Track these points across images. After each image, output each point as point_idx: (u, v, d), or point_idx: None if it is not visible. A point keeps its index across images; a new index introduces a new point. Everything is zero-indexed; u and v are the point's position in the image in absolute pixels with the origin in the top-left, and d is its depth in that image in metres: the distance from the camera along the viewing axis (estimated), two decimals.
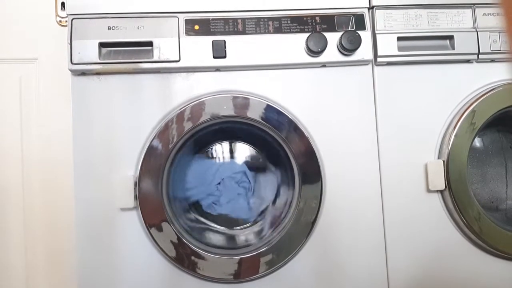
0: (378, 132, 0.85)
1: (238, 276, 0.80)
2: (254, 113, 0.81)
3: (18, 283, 1.04)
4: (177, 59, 0.79)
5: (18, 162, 1.05)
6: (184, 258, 0.79)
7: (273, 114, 0.81)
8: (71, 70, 0.79)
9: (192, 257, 0.79)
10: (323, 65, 0.84)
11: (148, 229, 0.78)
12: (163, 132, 0.79)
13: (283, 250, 0.80)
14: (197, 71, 0.82)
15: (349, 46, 0.81)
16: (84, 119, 0.80)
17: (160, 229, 0.78)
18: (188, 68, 0.81)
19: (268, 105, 0.81)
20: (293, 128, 0.81)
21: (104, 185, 0.79)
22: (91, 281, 0.79)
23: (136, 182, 0.78)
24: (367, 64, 0.86)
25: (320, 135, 0.83)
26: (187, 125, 0.79)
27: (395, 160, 0.85)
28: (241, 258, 0.80)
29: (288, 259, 0.81)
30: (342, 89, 0.85)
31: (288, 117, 0.81)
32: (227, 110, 0.80)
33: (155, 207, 0.79)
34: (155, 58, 0.79)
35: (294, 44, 0.82)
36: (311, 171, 0.81)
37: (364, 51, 0.83)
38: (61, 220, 1.05)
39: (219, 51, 0.80)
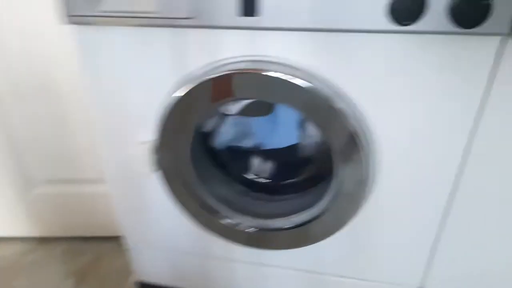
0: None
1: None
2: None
3: None
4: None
5: None
6: (209, 219, 0.79)
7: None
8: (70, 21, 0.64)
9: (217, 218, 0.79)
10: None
11: (172, 192, 0.77)
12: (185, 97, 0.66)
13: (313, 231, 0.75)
14: (219, 29, 0.61)
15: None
16: (96, 76, 0.70)
17: (184, 190, 0.76)
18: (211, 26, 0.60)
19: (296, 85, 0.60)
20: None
21: (128, 149, 0.76)
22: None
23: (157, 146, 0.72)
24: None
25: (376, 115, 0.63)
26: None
27: None
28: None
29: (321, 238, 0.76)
30: None
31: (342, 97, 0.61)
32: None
33: (179, 169, 0.75)
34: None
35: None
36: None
37: None
38: None
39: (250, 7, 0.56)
